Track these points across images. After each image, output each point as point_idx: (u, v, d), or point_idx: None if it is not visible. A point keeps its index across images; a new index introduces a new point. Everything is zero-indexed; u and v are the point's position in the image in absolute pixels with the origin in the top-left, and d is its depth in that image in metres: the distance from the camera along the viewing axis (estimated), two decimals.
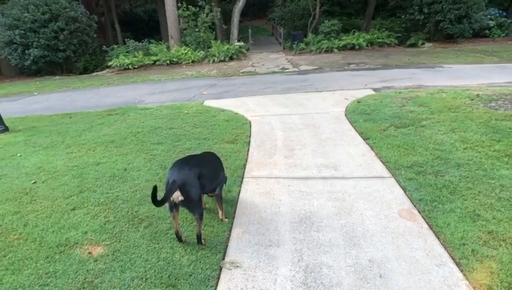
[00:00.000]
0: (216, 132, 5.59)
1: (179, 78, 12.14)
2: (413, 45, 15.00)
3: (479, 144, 4.35)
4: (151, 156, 4.76)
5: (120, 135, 5.85)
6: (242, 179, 3.90)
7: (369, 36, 14.59)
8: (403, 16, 16.06)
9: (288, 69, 12.17)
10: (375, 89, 8.05)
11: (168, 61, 14.90)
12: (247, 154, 4.60)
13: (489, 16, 14.86)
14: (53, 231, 3.12)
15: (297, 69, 11.84)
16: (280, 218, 3.09)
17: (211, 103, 7.75)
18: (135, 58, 15.07)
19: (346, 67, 11.27)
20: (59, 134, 6.23)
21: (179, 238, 2.78)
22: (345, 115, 6.06)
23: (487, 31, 15.00)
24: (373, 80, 9.14)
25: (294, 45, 15.66)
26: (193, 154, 3.26)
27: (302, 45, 15.41)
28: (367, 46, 14.52)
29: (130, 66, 14.85)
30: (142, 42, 16.61)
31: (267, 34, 28.57)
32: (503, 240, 2.66)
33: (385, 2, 20.17)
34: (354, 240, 2.72)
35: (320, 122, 5.74)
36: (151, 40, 17.18)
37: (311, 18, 16.75)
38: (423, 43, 14.85)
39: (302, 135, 5.19)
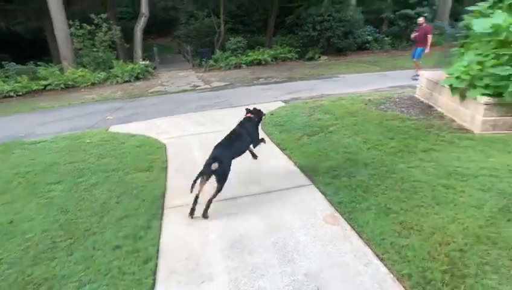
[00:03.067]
0: (127, 160, 5.10)
1: (77, 104, 10.92)
2: (311, 58, 16.38)
3: (378, 143, 4.87)
4: (46, 199, 4.04)
5: (2, 178, 4.85)
6: (162, 210, 3.59)
7: (273, 52, 15.49)
8: (299, 33, 17.48)
9: (200, 86, 12.06)
10: (284, 101, 8.47)
11: (62, 85, 13.30)
12: (166, 181, 4.29)
13: (367, 32, 17.14)
14: None
15: (209, 86, 11.82)
16: (210, 247, 2.91)
17: (118, 128, 7.11)
18: (18, 84, 13.01)
19: (255, 82, 11.70)
20: None
21: (195, 201, 3.34)
22: (261, 128, 6.19)
23: (367, 45, 17.28)
24: (282, 92, 9.64)
25: (203, 62, 15.65)
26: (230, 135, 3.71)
27: (211, 62, 15.51)
28: (272, 61, 15.37)
29: (12, 94, 12.73)
30: (26, 65, 14.45)
31: (174, 51, 28.06)
32: (411, 228, 2.96)
33: (283, 20, 21.77)
34: (288, 256, 2.70)
35: None
36: (39, 63, 15.07)
37: (217, 35, 17.04)
38: (319, 57, 16.34)
39: None
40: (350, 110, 6.73)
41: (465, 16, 6.01)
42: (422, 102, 6.78)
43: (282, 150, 4.98)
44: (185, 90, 11.36)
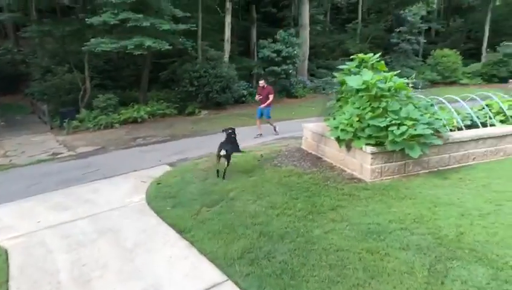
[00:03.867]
0: None
1: None
2: (191, 113, 15.99)
3: (286, 207, 4.47)
4: None
5: None
6: None
7: (149, 108, 14.45)
8: (176, 88, 17.07)
9: (61, 153, 9.90)
10: (171, 164, 7.54)
11: None
12: None
13: (242, 87, 18.05)
14: None
15: (74, 153, 9.81)
16: None
17: None
18: None
19: (133, 143, 10.36)
20: None
21: (218, 172, 5.92)
22: (148, 204, 5.09)
23: (243, 98, 18.12)
24: (166, 153, 8.67)
25: (65, 124, 13.28)
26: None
27: (76, 123, 13.32)
28: (149, 118, 14.27)
29: None
30: None
31: (26, 112, 23.54)
32: None
33: (157, 76, 21.17)
34: None
35: (120, 222, 4.50)
36: None
37: (82, 92, 15.01)
38: (200, 111, 16.12)
39: (99, 249, 3.79)
40: (245, 168, 6.32)
41: (337, 74, 6.59)
42: (310, 153, 6.95)
43: (180, 232, 4.03)
44: (40, 161, 9.08)
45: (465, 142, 5.81)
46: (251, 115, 14.48)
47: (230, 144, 6.33)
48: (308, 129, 7.07)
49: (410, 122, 5.01)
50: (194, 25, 14.27)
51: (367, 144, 5.21)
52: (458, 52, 20.72)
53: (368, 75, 5.43)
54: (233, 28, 18.34)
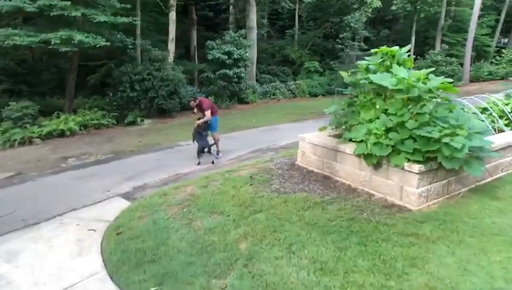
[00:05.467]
0: None
1: None
2: (132, 123, 13.43)
3: (342, 268, 2.96)
4: None
5: None
6: None
7: (80, 118, 11.54)
8: (110, 94, 14.33)
9: None
10: (126, 196, 5.42)
11: None
12: None
13: (189, 92, 15.98)
14: None
15: None
16: None
17: None
18: None
19: (64, 165, 7.72)
20: None
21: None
22: (111, 277, 3.06)
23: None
24: (113, 179, 6.40)
25: None
26: None
27: None
28: (81, 130, 11.40)
29: None
30: None
31: None
32: None
33: (84, 80, 17.84)
34: None
35: None
36: None
37: None
38: (142, 120, 13.64)
39: None
40: (241, 199, 4.57)
41: (343, 73, 5.26)
42: (312, 171, 5.49)
43: None
44: None
45: (496, 152, 4.94)
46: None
47: None
48: (307, 141, 5.60)
49: (463, 132, 3.87)
50: (137, 19, 11.89)
51: (411, 160, 3.94)
52: None
53: (402, 72, 4.18)
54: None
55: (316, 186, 4.93)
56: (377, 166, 4.33)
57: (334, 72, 20.68)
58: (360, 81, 4.82)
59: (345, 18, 20.06)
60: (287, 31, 26.96)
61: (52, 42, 9.15)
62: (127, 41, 12.25)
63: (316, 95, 19.92)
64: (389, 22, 30.03)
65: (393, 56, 4.51)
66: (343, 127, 5.08)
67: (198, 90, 16.71)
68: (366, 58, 4.78)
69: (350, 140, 4.91)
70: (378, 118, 4.38)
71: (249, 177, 5.47)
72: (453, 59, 21.07)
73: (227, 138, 9.32)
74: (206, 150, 7.45)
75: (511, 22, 27.62)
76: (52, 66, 17.76)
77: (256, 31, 19.07)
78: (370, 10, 21.01)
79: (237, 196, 4.69)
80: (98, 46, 10.09)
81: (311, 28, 27.38)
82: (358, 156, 4.56)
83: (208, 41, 16.34)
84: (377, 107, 4.36)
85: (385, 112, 4.24)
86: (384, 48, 4.63)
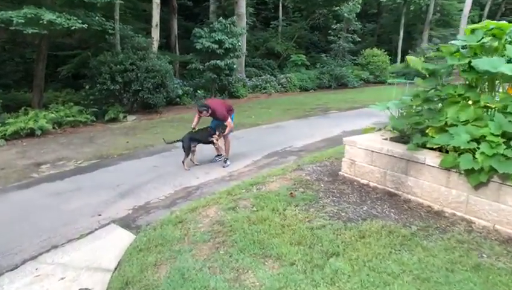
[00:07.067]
0: None
1: None
2: (114, 120, 11.66)
3: None
4: None
5: None
6: None
7: (53, 114, 9.65)
8: (87, 87, 12.42)
9: None
10: (124, 222, 3.97)
11: None
12: None
13: (176, 85, 14.35)
14: None
15: None
16: None
17: None
18: None
19: (35, 175, 6.00)
20: None
21: None
22: None
23: (178, 99, 14.45)
24: (103, 195, 4.86)
25: None
26: None
27: None
28: (54, 128, 9.54)
29: None
30: None
31: None
32: None
33: (54, 71, 15.65)
34: None
35: None
36: None
37: None
38: (125, 116, 11.90)
39: None
40: (296, 232, 3.22)
41: (413, 59, 4.03)
42: (368, 186, 4.27)
43: None
44: None
45: None
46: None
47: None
48: (359, 146, 4.36)
49: None
50: None
51: None
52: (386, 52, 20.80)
53: None
54: (151, 19, 14.39)
55: (384, 208, 3.72)
56: (479, 184, 3.17)
57: (325, 65, 19.66)
58: (442, 70, 3.63)
59: (338, 8, 18.96)
60: (272, 22, 25.59)
61: (15, 22, 7.28)
62: (107, 25, 10.40)
63: (306, 90, 18.83)
64: (374, 16, 29.39)
65: (500, 34, 3.32)
66: (412, 129, 3.88)
67: (182, 83, 15.05)
68: (456, 39, 3.58)
69: (424, 146, 3.75)
70: (477, 118, 3.22)
71: (288, 194, 4.16)
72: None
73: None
74: (216, 158, 6.18)
75: (493, 18, 27.83)
76: (16, 55, 15.47)
77: (245, 20, 17.56)
78: (360, 1, 20.06)
79: (287, 225, 3.37)
80: (73, 28, 8.27)
81: (297, 19, 26.17)
82: (447, 169, 3.39)
83: (196, 28, 14.65)
84: (481, 103, 3.17)
85: (493, 110, 3.07)
86: (488, 22, 3.42)
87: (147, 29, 15.13)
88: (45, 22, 7.54)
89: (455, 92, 3.44)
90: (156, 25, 13.43)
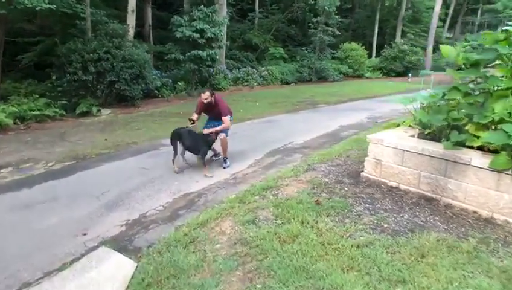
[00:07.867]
0: None
1: None
2: (86, 114, 10.46)
3: None
4: None
5: None
6: None
7: (15, 108, 8.34)
8: (54, 77, 11.04)
9: None
10: (118, 243, 3.19)
11: None
12: None
13: (154, 76, 13.27)
14: None
15: None
16: None
17: None
18: None
19: None
20: None
21: None
22: None
23: (156, 91, 13.37)
24: (85, 206, 3.98)
25: None
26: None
27: None
28: (16, 124, 8.26)
29: None
30: None
31: None
32: None
33: (12, 60, 13.91)
34: None
35: None
36: None
37: None
38: (99, 110, 10.71)
39: None
40: (340, 251, 2.65)
41: (448, 48, 3.54)
42: (398, 189, 3.78)
43: None
44: None
45: None
46: (182, 115, 10.10)
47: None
48: (387, 144, 3.84)
49: None
50: None
51: None
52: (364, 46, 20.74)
53: None
54: (123, 4, 13.11)
55: (426, 215, 3.23)
56: None
57: (305, 59, 19.24)
58: (487, 60, 3.17)
59: (314, 2, 18.53)
60: (249, 14, 24.71)
61: None
62: (77, 8, 9.17)
63: (287, 83, 18.35)
64: (348, 11, 29.39)
65: None
66: (448, 126, 3.42)
67: (160, 74, 13.94)
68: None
69: (463, 145, 3.30)
70: None
71: (312, 201, 3.57)
72: (418, 48, 20.95)
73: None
74: (214, 158, 5.46)
75: (457, 16, 28.84)
76: None
77: (226, 10, 16.65)
78: None
79: (327, 243, 2.77)
80: (38, 9, 7.07)
81: (274, 11, 25.50)
82: (497, 170, 2.96)
83: (175, 16, 13.54)
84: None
85: None
86: None
87: (119, 16, 13.78)
88: (3, 0, 6.33)
89: (504, 84, 3.00)
90: (133, 11, 12.26)
